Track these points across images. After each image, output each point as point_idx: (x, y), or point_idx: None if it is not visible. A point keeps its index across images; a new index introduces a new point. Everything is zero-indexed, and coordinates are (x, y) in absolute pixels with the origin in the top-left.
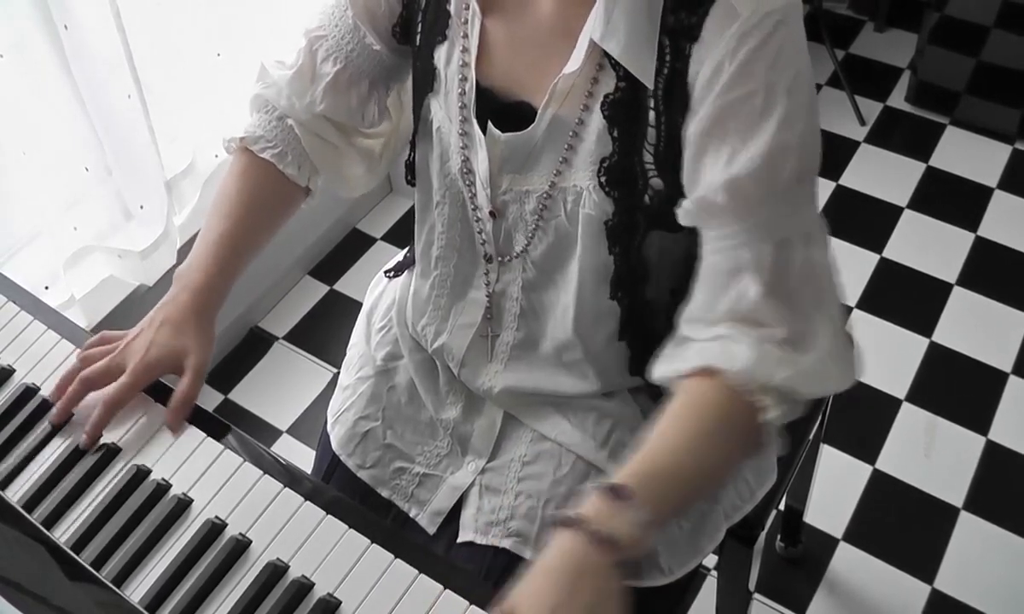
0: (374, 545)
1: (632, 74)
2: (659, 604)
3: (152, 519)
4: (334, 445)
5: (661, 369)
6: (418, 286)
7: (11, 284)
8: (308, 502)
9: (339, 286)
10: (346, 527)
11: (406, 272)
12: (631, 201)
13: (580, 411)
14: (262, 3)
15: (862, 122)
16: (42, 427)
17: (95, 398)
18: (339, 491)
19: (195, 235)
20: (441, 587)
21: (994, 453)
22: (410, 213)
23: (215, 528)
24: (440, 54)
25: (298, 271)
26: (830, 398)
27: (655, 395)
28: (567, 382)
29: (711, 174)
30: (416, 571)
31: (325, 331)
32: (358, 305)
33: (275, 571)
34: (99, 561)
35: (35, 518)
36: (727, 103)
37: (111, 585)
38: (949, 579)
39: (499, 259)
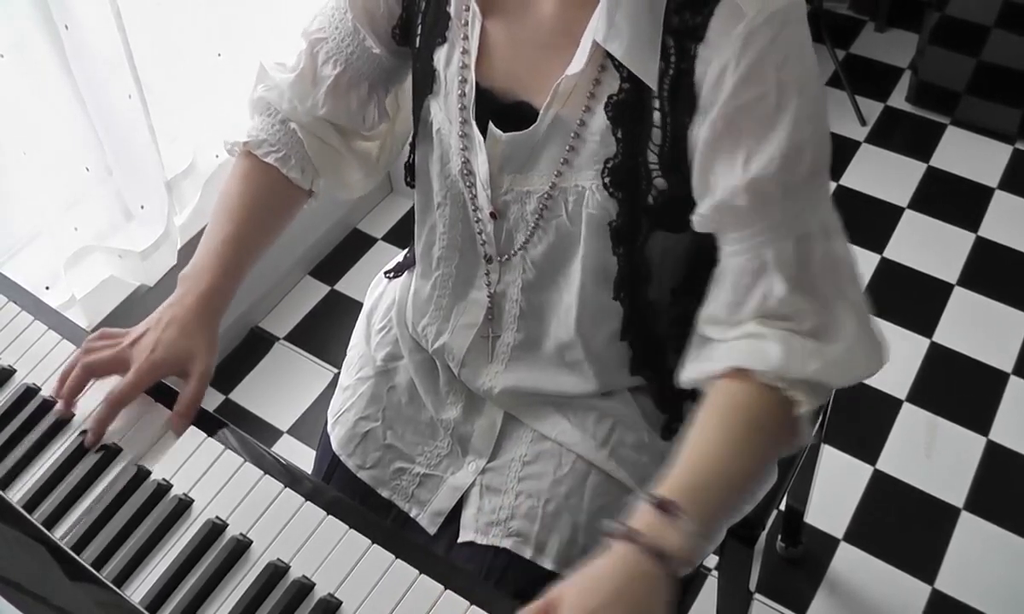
0: (375, 545)
1: (636, 75)
2: None
3: (153, 519)
4: (334, 445)
5: (690, 372)
6: (419, 286)
7: (11, 284)
8: (309, 502)
9: (340, 286)
10: (347, 527)
11: (406, 272)
12: (634, 201)
13: (580, 411)
14: (262, 3)
15: (863, 122)
16: (43, 427)
17: (98, 396)
18: (339, 492)
19: (196, 235)
20: (442, 587)
21: (994, 453)
22: (410, 213)
23: (216, 528)
24: (440, 56)
25: (299, 271)
26: (831, 398)
27: (655, 394)
28: (567, 382)
29: (728, 178)
30: (417, 571)
31: (326, 331)
32: (359, 305)
33: (276, 571)
34: (100, 561)
35: (36, 518)
36: (739, 105)
37: (111, 585)
38: (949, 579)
39: (499, 258)
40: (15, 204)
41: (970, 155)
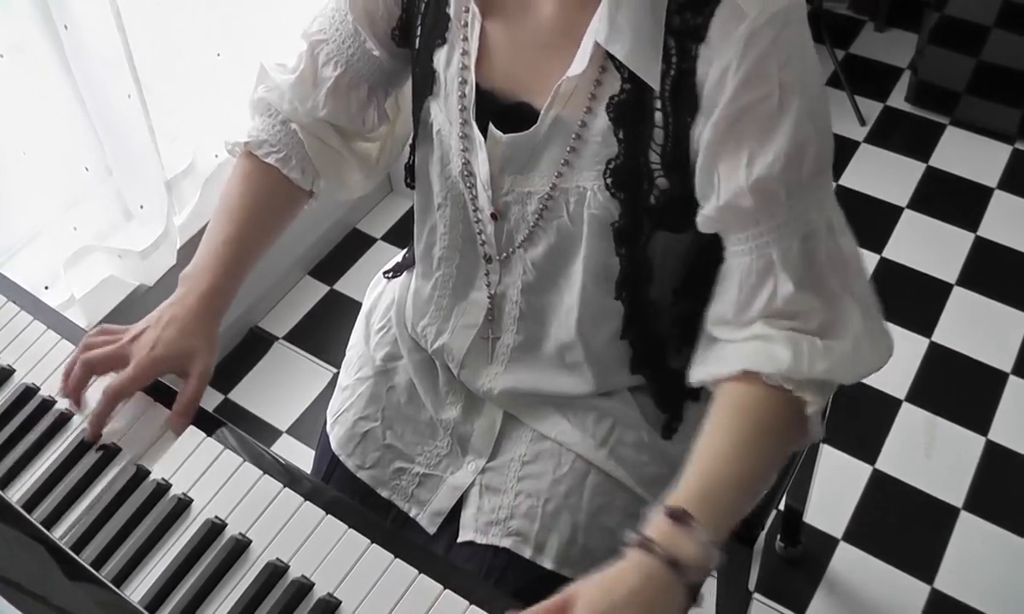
0: (374, 545)
1: (637, 75)
2: None
3: (152, 519)
4: (334, 446)
5: (699, 373)
6: (419, 286)
7: (11, 284)
8: (308, 502)
9: (339, 286)
10: (346, 527)
11: (405, 272)
12: (636, 202)
13: (580, 410)
14: (262, 3)
15: (862, 122)
16: (42, 427)
17: (98, 394)
18: (339, 492)
19: (195, 235)
20: (441, 587)
21: (994, 453)
22: (409, 213)
23: (215, 528)
24: (440, 57)
25: (298, 271)
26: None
27: (655, 394)
28: (567, 383)
29: (732, 179)
30: (416, 571)
31: (325, 331)
32: (358, 305)
33: (275, 571)
34: (99, 561)
35: (35, 518)
36: (741, 106)
37: (111, 585)
38: (949, 579)
39: (499, 259)
40: (15, 204)
41: (970, 155)
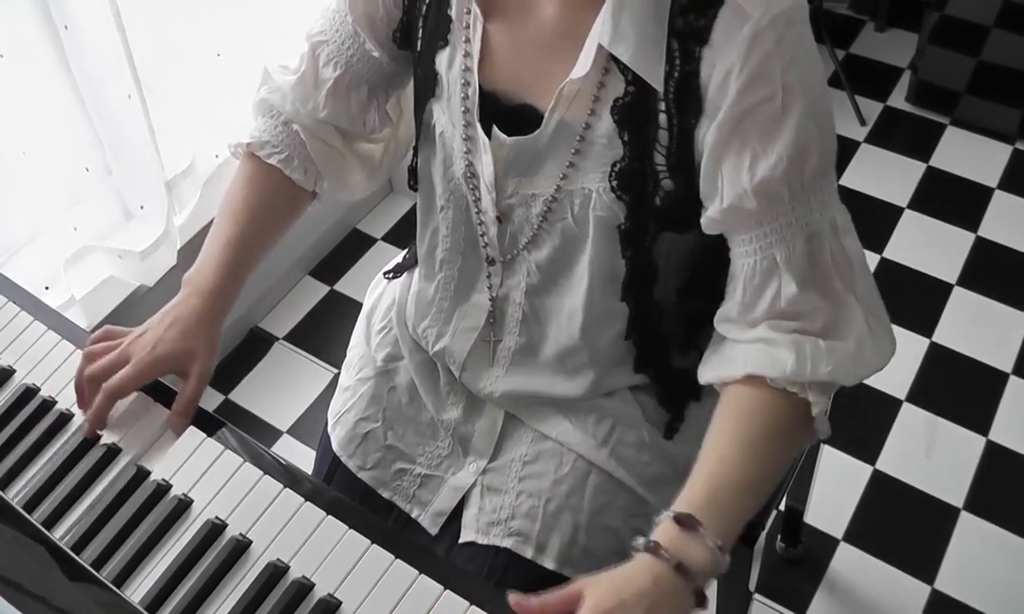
0: (374, 545)
1: (641, 77)
2: None
3: (152, 519)
4: (335, 446)
5: (707, 374)
6: (422, 288)
7: (11, 284)
8: (308, 503)
9: (339, 286)
10: (346, 528)
11: (406, 273)
12: (642, 203)
13: (581, 411)
14: (262, 3)
15: (862, 122)
16: (43, 427)
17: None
18: (340, 493)
19: (195, 236)
20: (441, 587)
21: (994, 453)
22: (410, 214)
23: (215, 528)
24: (442, 59)
25: (298, 271)
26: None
27: (658, 393)
28: (568, 386)
29: (735, 181)
30: (416, 571)
31: (325, 331)
32: (358, 305)
33: (275, 571)
34: (99, 561)
35: (35, 518)
36: (745, 108)
37: (111, 585)
38: (949, 579)
39: (503, 263)
40: (15, 204)
41: (970, 155)
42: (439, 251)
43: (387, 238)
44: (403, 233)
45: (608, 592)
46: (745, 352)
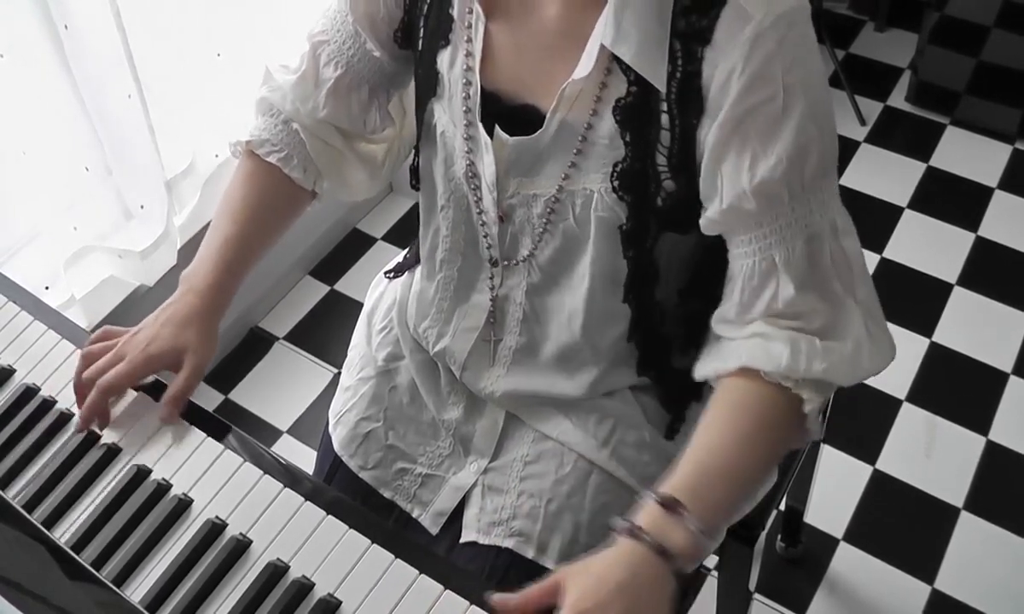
0: (374, 545)
1: (643, 78)
2: None
3: (152, 519)
4: (336, 446)
5: (702, 369)
6: (423, 288)
7: (11, 284)
8: (308, 502)
9: (339, 286)
10: (346, 527)
11: (407, 273)
12: (643, 204)
13: (581, 411)
14: (262, 3)
15: (862, 122)
16: (43, 427)
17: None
18: (341, 492)
19: (195, 235)
20: (441, 587)
21: (994, 453)
22: (410, 213)
23: (215, 528)
24: (443, 58)
25: (298, 271)
26: (831, 398)
27: (657, 393)
28: (569, 385)
29: (735, 181)
30: (416, 571)
31: (325, 331)
32: (358, 305)
33: (275, 571)
34: (99, 561)
35: (35, 518)
36: (746, 108)
37: (111, 585)
38: (949, 579)
39: (504, 263)
40: (15, 204)
41: (970, 155)
42: (439, 251)
43: (387, 238)
44: (403, 233)
45: (589, 581)
46: (740, 347)
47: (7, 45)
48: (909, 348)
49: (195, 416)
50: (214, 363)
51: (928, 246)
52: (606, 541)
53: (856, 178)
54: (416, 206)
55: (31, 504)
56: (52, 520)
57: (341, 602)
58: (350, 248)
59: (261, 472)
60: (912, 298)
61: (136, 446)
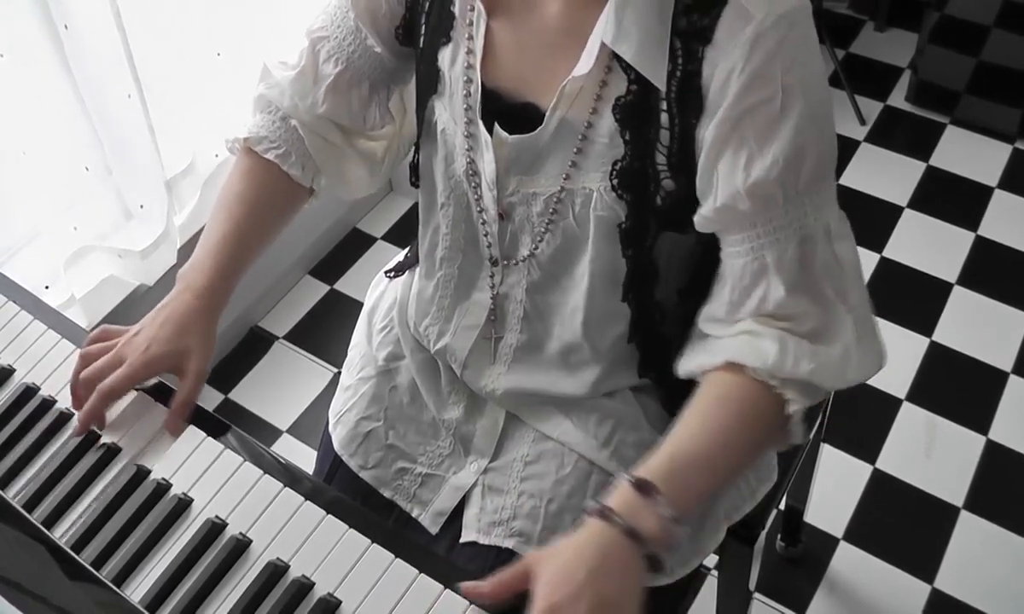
0: (374, 545)
1: (643, 76)
2: (660, 604)
3: (152, 519)
4: (336, 446)
5: (687, 364)
6: (422, 286)
7: (11, 284)
8: (308, 502)
9: (339, 286)
10: (346, 527)
11: (407, 272)
12: (643, 203)
13: (582, 411)
14: (262, 3)
15: (862, 122)
16: (42, 427)
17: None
18: (341, 492)
19: (195, 235)
20: (441, 587)
21: (994, 453)
22: (410, 213)
23: (215, 528)
24: (444, 56)
25: (298, 271)
26: (831, 397)
27: (658, 394)
28: (570, 384)
29: (730, 181)
30: (416, 571)
31: (325, 331)
32: (358, 305)
33: (275, 571)
34: (99, 561)
35: (35, 518)
36: (744, 108)
37: (111, 585)
38: (949, 579)
39: (504, 261)
40: (15, 204)
41: (970, 155)
42: (439, 249)
43: (387, 237)
44: (403, 232)
45: (559, 566)
46: (728, 343)
47: (7, 45)
48: (909, 348)
49: (195, 416)
50: (214, 362)
51: (928, 246)
52: (577, 522)
53: (856, 178)
54: (416, 206)
55: (31, 504)
56: (52, 520)
57: (341, 602)
58: (350, 247)
59: (261, 472)
60: (912, 298)
61: (136, 446)
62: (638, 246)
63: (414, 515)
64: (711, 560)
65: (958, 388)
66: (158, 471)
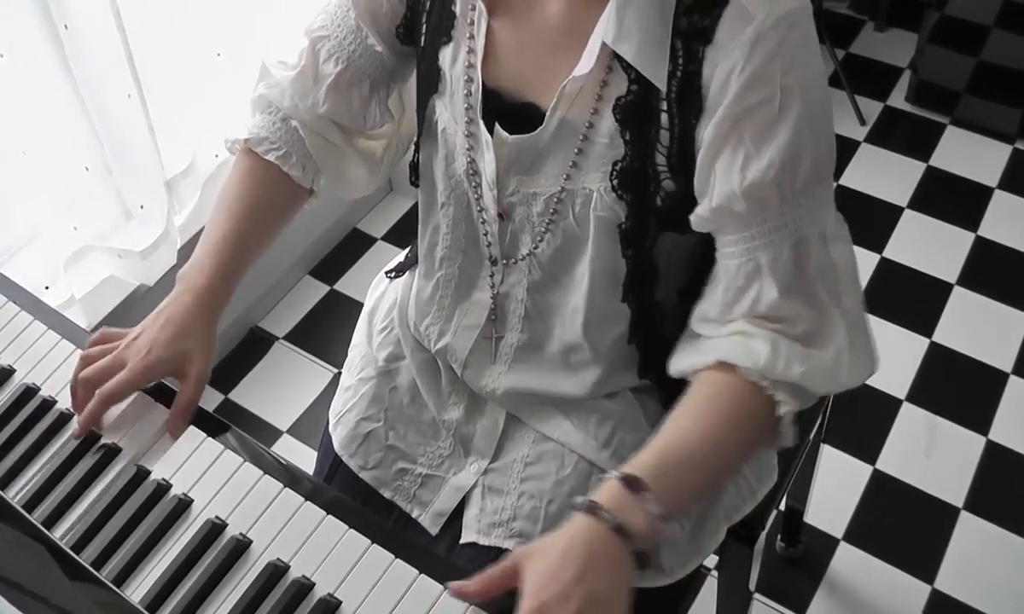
0: (374, 545)
1: (644, 76)
2: (660, 604)
3: (152, 519)
4: (336, 446)
5: (678, 363)
6: (421, 286)
7: (11, 284)
8: (308, 502)
9: (339, 286)
10: (346, 527)
11: (407, 272)
12: (643, 204)
13: (583, 412)
14: (262, 3)
15: (862, 122)
16: (42, 427)
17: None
18: (341, 492)
19: (195, 235)
20: (441, 587)
21: (994, 453)
22: (410, 213)
23: (215, 528)
24: (445, 55)
25: (298, 271)
26: (831, 398)
27: (658, 396)
28: (571, 384)
29: (726, 181)
30: (416, 571)
31: (325, 331)
32: (358, 305)
33: (275, 571)
34: (99, 561)
35: (35, 518)
36: (744, 108)
37: (111, 585)
38: (949, 579)
39: (504, 261)
40: (15, 204)
41: (970, 155)
42: (439, 248)
43: (387, 238)
44: (403, 233)
45: (548, 564)
46: (720, 343)
47: (7, 45)
48: (909, 348)
49: (195, 416)
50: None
51: (928, 246)
52: (565, 517)
53: (856, 178)
54: (416, 206)
55: (31, 504)
56: (52, 520)
57: (341, 602)
58: (350, 248)
59: (261, 472)
60: (912, 298)
61: (136, 446)
62: (638, 246)
63: (414, 516)
64: (711, 560)
65: (958, 388)
66: (158, 471)
